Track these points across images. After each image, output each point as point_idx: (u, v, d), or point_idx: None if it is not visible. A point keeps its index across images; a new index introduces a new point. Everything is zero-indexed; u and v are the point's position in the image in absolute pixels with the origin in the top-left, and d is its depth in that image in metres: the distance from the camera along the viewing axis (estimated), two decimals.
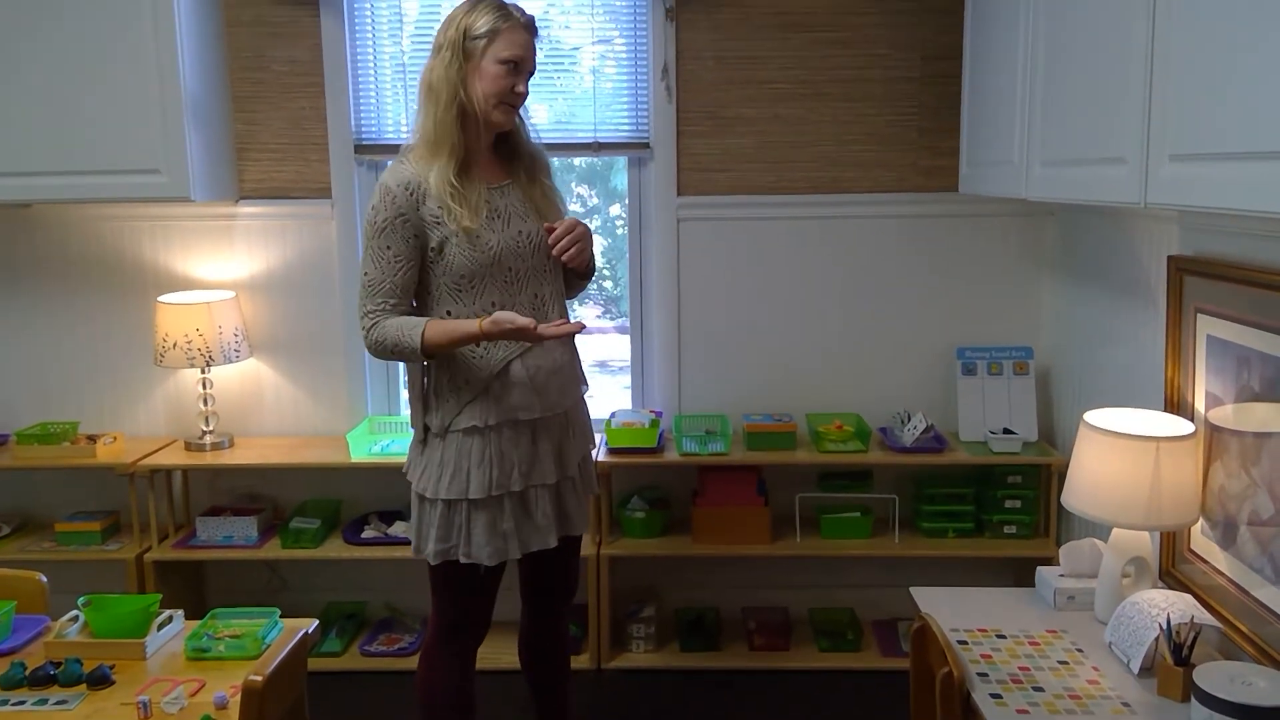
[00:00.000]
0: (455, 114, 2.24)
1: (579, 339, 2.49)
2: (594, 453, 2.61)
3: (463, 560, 2.31)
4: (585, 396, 2.53)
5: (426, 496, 2.32)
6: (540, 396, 2.33)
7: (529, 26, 2.30)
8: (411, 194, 2.23)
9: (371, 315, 2.25)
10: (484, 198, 2.29)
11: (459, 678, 2.45)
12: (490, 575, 2.38)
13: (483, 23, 2.24)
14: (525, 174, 2.40)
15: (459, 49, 2.24)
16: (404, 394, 3.83)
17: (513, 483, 2.30)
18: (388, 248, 2.23)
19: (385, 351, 2.25)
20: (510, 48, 2.26)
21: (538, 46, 2.34)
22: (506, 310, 2.24)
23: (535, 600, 2.60)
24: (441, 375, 2.31)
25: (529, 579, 2.56)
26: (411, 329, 2.22)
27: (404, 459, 3.47)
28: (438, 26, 2.30)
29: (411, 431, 2.41)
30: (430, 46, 2.31)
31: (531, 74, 2.33)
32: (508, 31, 2.25)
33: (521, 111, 2.38)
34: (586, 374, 2.53)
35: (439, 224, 2.24)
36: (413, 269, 2.27)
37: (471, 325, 2.21)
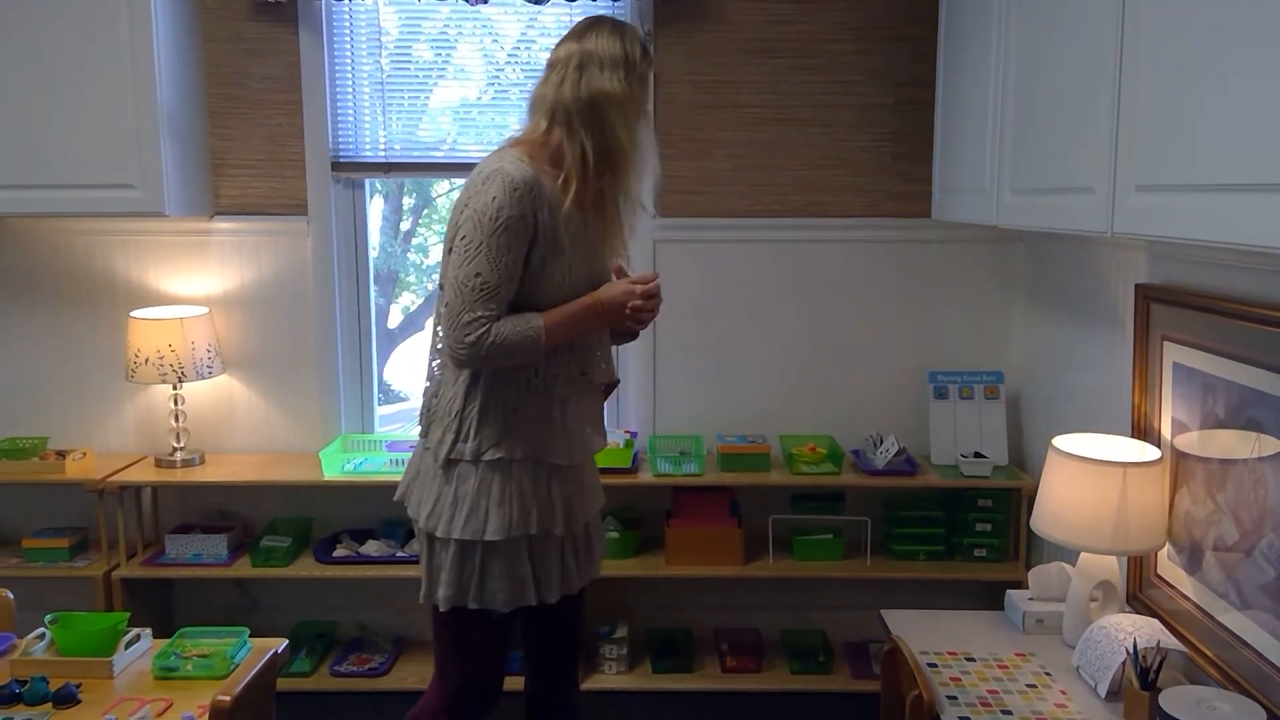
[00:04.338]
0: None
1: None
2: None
3: (473, 607, 2.12)
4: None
5: (438, 536, 2.12)
6: (570, 443, 2.18)
7: None
8: (534, 194, 2.03)
9: (483, 321, 2.00)
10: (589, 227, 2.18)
11: None
12: (504, 626, 2.20)
13: (641, 55, 2.12)
14: (592, 205, 2.19)
15: (633, 73, 2.10)
16: (383, 423, 3.80)
17: (530, 525, 2.12)
18: (508, 249, 2.00)
19: (500, 352, 2.01)
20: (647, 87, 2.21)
21: None
22: (578, 353, 2.16)
23: (539, 662, 2.40)
24: (492, 397, 2.10)
25: (531, 639, 2.38)
26: (528, 319, 2.04)
27: (377, 478, 3.44)
28: (571, 45, 2.11)
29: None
30: (550, 62, 2.15)
31: None
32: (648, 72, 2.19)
33: None
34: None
35: (549, 239, 2.06)
36: (518, 277, 2.05)
37: (584, 304, 2.09)
